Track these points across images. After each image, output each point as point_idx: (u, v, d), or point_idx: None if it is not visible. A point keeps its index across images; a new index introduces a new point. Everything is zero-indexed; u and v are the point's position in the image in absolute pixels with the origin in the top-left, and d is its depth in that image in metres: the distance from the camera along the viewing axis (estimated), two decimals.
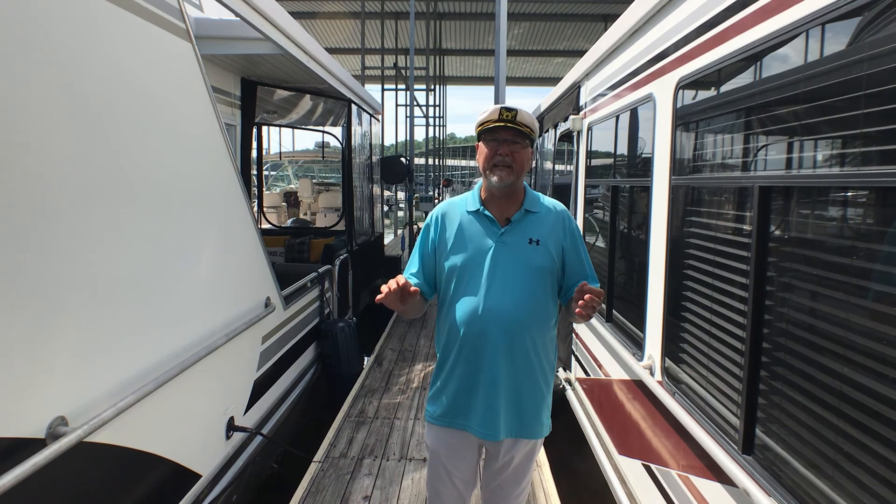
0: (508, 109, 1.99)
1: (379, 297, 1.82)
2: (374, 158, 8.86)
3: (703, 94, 2.24)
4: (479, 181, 2.13)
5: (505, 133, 1.99)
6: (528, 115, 2.01)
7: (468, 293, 1.99)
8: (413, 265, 2.15)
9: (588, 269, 2.10)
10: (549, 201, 2.15)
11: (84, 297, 1.85)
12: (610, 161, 3.76)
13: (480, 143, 2.06)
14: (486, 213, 2.05)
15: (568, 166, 5.26)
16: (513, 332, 1.95)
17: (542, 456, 3.75)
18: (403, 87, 15.90)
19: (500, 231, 2.02)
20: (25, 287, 1.60)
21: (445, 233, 2.09)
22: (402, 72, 15.56)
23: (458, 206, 2.13)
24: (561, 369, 4.85)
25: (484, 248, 2.01)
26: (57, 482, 1.76)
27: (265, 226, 8.50)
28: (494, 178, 1.99)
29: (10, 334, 1.55)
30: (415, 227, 11.80)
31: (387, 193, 17.31)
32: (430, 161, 18.56)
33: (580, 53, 4.50)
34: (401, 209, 19.00)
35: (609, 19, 15.20)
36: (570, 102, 4.88)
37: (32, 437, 1.63)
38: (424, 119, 16.74)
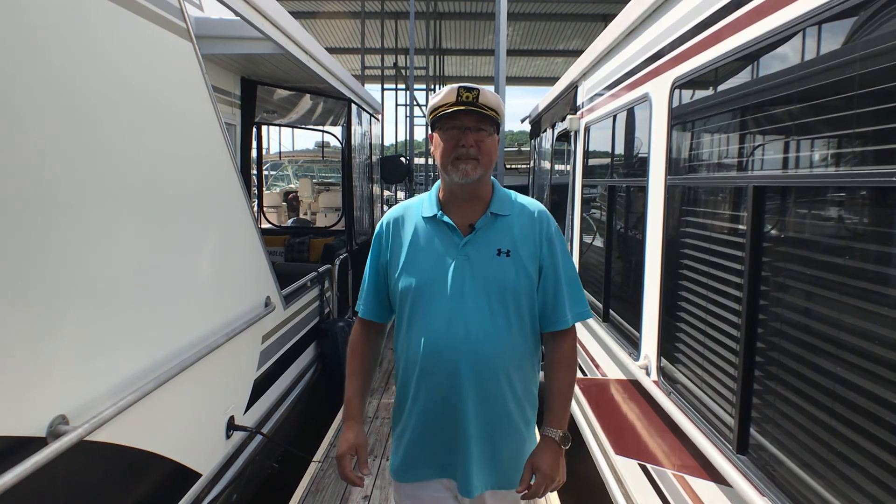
0: (469, 89, 1.63)
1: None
2: (374, 158, 8.87)
3: (699, 94, 2.25)
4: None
5: (467, 119, 1.63)
6: (493, 94, 1.67)
7: (425, 322, 1.65)
8: (364, 291, 1.82)
9: (565, 289, 1.70)
10: (523, 200, 1.77)
11: (84, 297, 1.86)
12: (607, 161, 3.77)
13: (435, 134, 1.70)
14: (445, 219, 1.69)
15: (566, 166, 5.27)
16: (482, 368, 1.62)
17: None
18: (403, 86, 15.90)
19: (461, 241, 1.67)
20: (26, 286, 1.62)
21: (396, 245, 1.74)
22: (402, 72, 15.57)
23: (412, 211, 1.77)
24: None
25: (443, 265, 1.65)
26: (58, 481, 1.77)
27: (265, 225, 8.51)
28: (457, 176, 1.64)
29: (10, 333, 1.57)
30: None
31: (387, 193, 17.31)
32: (430, 161, 18.57)
33: (580, 53, 4.51)
34: None
35: (608, 19, 15.20)
36: (568, 102, 4.89)
37: (33, 435, 1.64)
38: (424, 119, 16.75)
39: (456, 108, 1.63)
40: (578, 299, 1.74)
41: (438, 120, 1.68)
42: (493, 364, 1.64)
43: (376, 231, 1.81)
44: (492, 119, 1.66)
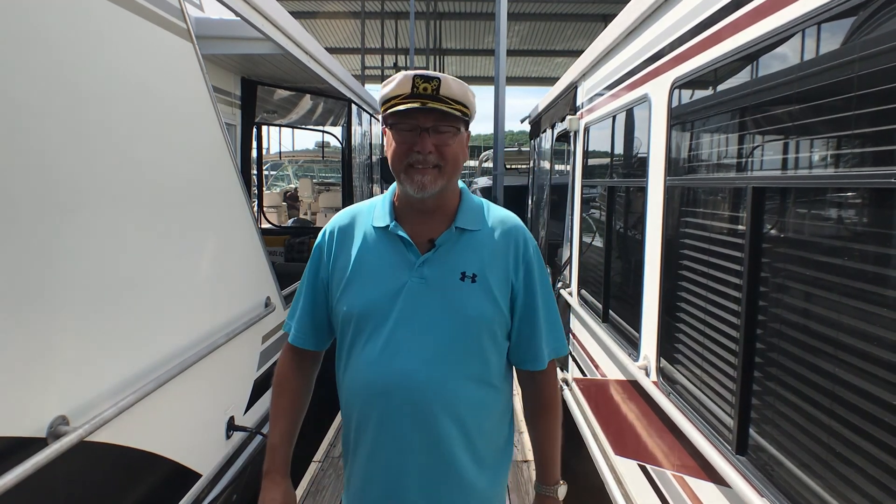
0: (426, 78, 1.29)
1: None
2: (374, 158, 8.88)
3: (698, 95, 2.25)
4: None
5: (425, 118, 1.31)
6: (458, 83, 1.34)
7: (367, 356, 1.36)
8: (297, 312, 1.52)
9: (543, 323, 1.42)
10: (497, 213, 1.47)
11: (84, 297, 1.86)
12: (606, 161, 3.77)
13: (388, 130, 1.39)
14: (400, 232, 1.38)
15: (566, 167, 5.28)
16: (432, 417, 1.33)
17: None
18: None
19: (417, 260, 1.37)
20: (26, 286, 1.62)
21: (341, 259, 1.43)
22: None
23: (362, 219, 1.47)
24: (559, 369, 4.86)
25: (392, 287, 1.35)
26: (58, 482, 1.77)
27: (265, 225, 8.52)
28: (412, 188, 1.33)
29: (10, 333, 1.57)
30: None
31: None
32: None
33: (580, 53, 4.52)
34: None
35: (608, 19, 15.21)
36: (567, 103, 4.89)
37: (33, 436, 1.65)
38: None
39: (411, 104, 1.29)
40: (556, 334, 1.47)
41: (392, 116, 1.35)
42: (445, 410, 1.33)
43: (317, 240, 1.50)
44: (457, 115, 1.34)
